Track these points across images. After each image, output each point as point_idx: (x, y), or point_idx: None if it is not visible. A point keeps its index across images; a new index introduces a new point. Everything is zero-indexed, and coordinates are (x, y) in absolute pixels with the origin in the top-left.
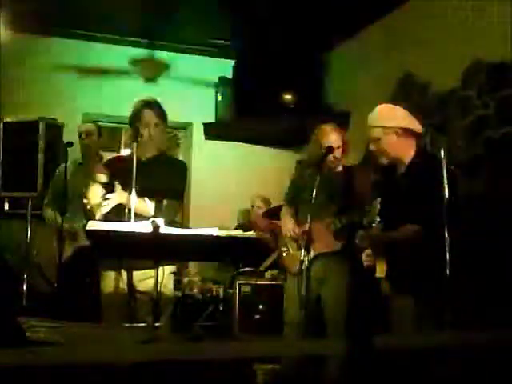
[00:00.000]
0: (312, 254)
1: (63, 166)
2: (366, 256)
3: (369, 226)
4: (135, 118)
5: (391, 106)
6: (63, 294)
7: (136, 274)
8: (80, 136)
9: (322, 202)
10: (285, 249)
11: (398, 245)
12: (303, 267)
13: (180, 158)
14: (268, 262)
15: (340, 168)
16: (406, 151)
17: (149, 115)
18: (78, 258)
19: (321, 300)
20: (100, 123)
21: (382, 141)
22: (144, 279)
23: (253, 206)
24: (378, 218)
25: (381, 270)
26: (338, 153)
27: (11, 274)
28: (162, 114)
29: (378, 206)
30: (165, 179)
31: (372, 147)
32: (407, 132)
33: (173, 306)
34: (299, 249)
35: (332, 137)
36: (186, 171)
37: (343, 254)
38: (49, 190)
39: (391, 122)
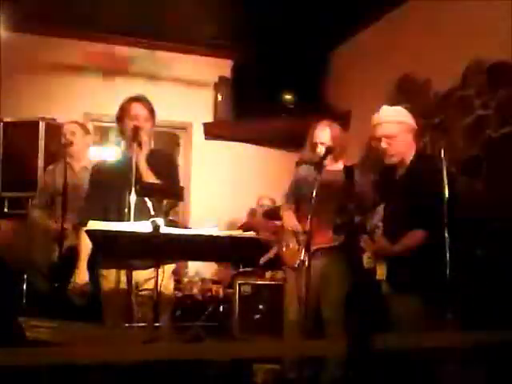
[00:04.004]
0: (312, 248)
1: (50, 167)
2: (366, 258)
3: (372, 231)
4: (123, 112)
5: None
6: (62, 294)
7: (141, 274)
8: (65, 136)
9: (322, 200)
10: (284, 244)
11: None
12: (303, 267)
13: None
14: (267, 257)
15: (340, 167)
16: (411, 151)
17: (137, 108)
18: (69, 258)
19: (320, 299)
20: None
21: (397, 138)
22: (149, 279)
23: (261, 206)
24: (380, 224)
25: (381, 273)
26: (322, 150)
27: (11, 274)
28: (150, 109)
29: (381, 211)
30: (164, 178)
31: (384, 145)
32: (413, 130)
33: (172, 306)
34: (299, 244)
35: (319, 132)
36: (178, 165)
37: (342, 250)
38: (38, 191)
39: (407, 119)
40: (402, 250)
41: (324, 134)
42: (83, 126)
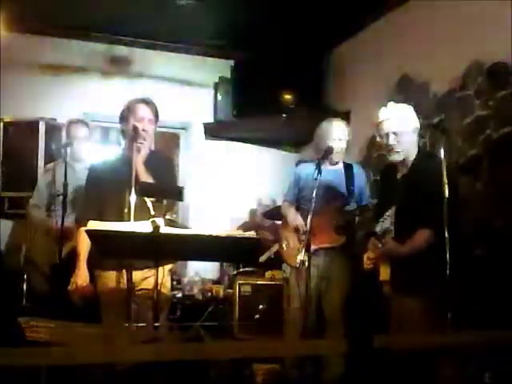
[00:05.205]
0: (313, 247)
1: (48, 166)
2: (367, 259)
3: (382, 235)
4: (129, 112)
5: None
6: (62, 294)
7: (138, 273)
8: (65, 136)
9: (322, 200)
10: (285, 242)
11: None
12: (304, 267)
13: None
14: (267, 255)
15: (340, 165)
16: (415, 149)
17: (144, 110)
18: (70, 259)
19: (322, 299)
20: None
21: (405, 134)
22: (146, 278)
23: (261, 206)
24: (392, 227)
25: (385, 274)
26: (341, 144)
27: (11, 274)
28: (156, 112)
29: (393, 215)
30: (162, 180)
31: (392, 141)
32: (417, 128)
33: (170, 306)
34: (299, 243)
35: (336, 129)
36: (175, 167)
37: (344, 250)
38: (37, 190)
39: (413, 116)
40: (409, 251)
41: (342, 130)
42: (83, 126)
